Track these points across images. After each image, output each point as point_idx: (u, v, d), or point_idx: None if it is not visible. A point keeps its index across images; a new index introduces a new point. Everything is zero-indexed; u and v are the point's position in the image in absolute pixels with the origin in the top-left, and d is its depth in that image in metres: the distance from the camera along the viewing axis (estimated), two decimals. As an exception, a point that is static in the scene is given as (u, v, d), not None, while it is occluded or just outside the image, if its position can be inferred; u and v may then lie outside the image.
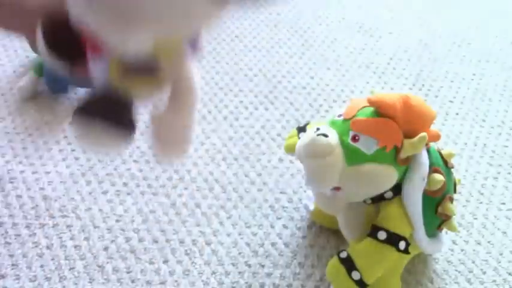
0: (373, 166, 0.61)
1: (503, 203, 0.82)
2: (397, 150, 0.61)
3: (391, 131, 0.61)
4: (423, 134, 0.61)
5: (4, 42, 1.02)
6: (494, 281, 0.72)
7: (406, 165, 0.63)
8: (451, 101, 0.99)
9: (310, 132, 0.62)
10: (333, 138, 0.61)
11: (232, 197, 0.80)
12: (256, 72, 1.02)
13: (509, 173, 0.86)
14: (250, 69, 1.02)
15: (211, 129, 0.90)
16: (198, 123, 0.90)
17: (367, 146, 0.60)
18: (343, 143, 0.61)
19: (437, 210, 0.65)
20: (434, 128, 0.65)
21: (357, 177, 0.61)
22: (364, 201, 0.65)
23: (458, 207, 0.80)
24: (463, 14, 1.24)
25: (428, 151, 0.64)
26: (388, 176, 0.62)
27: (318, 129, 0.62)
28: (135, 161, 0.83)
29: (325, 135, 0.61)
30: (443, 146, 0.89)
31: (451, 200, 0.66)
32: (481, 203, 0.81)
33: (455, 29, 1.18)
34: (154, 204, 0.77)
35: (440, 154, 0.67)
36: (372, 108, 0.62)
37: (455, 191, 0.68)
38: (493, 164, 0.88)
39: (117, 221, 0.75)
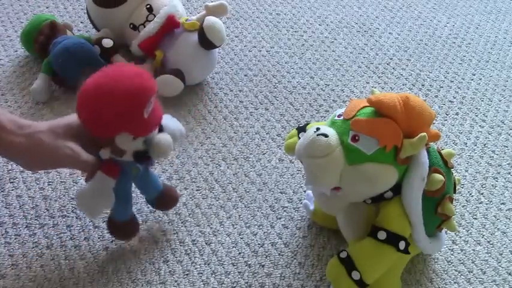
0: (373, 166, 0.61)
1: (503, 203, 0.82)
2: (397, 150, 0.61)
3: (391, 131, 0.61)
4: (423, 134, 0.61)
5: (4, 42, 1.02)
6: (494, 281, 0.72)
7: (406, 165, 0.63)
8: (451, 101, 0.99)
9: (310, 132, 0.62)
10: (333, 138, 0.61)
11: (232, 197, 0.80)
12: (256, 72, 1.02)
13: (509, 173, 0.86)
14: (250, 69, 1.02)
15: (211, 129, 0.90)
16: (198, 123, 0.90)
17: (367, 146, 0.61)
18: (343, 143, 0.61)
19: (436, 210, 0.65)
20: (434, 128, 0.65)
21: (357, 177, 0.61)
22: (364, 201, 0.65)
23: (458, 207, 0.80)
24: (463, 14, 1.24)
25: (428, 151, 0.64)
26: (388, 175, 0.62)
27: (318, 129, 0.62)
28: (135, 161, 0.83)
29: (325, 135, 0.61)
30: (443, 146, 0.89)
31: (451, 200, 0.66)
32: (480, 203, 0.82)
33: (455, 29, 1.19)
34: (155, 204, 0.77)
35: (440, 154, 0.67)
36: (372, 108, 0.62)
37: (455, 191, 0.68)
38: (493, 164, 0.88)
39: (117, 221, 0.75)
